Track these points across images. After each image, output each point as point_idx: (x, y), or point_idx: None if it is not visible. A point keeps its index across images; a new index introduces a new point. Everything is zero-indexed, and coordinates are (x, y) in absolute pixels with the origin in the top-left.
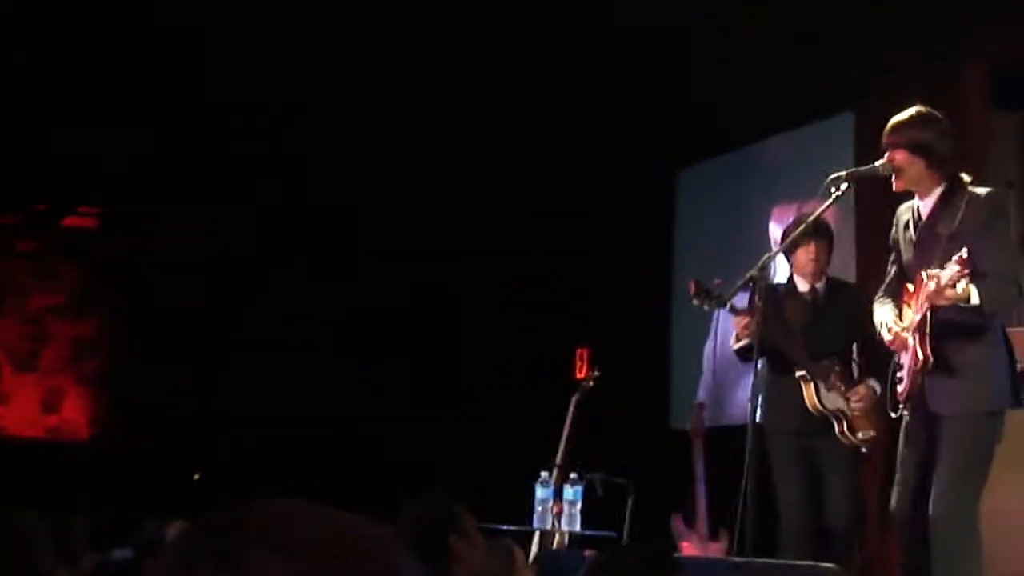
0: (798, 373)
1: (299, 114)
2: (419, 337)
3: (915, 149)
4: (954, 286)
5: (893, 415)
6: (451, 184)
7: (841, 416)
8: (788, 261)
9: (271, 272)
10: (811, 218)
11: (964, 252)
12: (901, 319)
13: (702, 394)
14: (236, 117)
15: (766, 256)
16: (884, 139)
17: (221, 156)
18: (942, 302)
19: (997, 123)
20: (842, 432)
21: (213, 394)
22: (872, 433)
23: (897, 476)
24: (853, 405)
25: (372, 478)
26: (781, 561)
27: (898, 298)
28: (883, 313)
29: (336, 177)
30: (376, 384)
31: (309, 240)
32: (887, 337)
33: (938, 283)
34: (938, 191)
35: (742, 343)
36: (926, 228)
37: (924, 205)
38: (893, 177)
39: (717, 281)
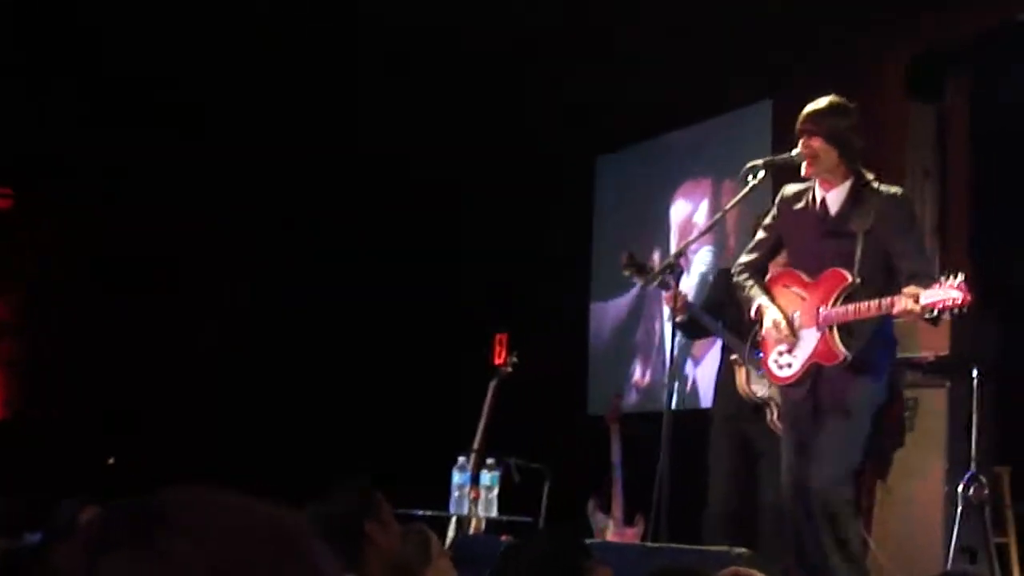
0: (732, 357)
1: (209, 97)
2: (337, 322)
3: (831, 138)
4: (928, 316)
5: (791, 399)
6: (366, 170)
7: (771, 403)
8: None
9: (187, 256)
10: (728, 206)
11: (961, 278)
12: (777, 303)
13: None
14: (158, 94)
15: (685, 242)
16: (799, 126)
17: (140, 139)
18: (912, 317)
19: (914, 114)
20: (772, 420)
21: (129, 377)
22: None
23: (784, 462)
24: (773, 392)
25: (289, 464)
26: (694, 546)
27: (764, 276)
28: (765, 301)
29: (257, 170)
30: (293, 369)
31: (229, 227)
32: (768, 326)
33: (926, 303)
34: (846, 185)
35: (678, 319)
36: (837, 222)
37: (831, 198)
38: (805, 163)
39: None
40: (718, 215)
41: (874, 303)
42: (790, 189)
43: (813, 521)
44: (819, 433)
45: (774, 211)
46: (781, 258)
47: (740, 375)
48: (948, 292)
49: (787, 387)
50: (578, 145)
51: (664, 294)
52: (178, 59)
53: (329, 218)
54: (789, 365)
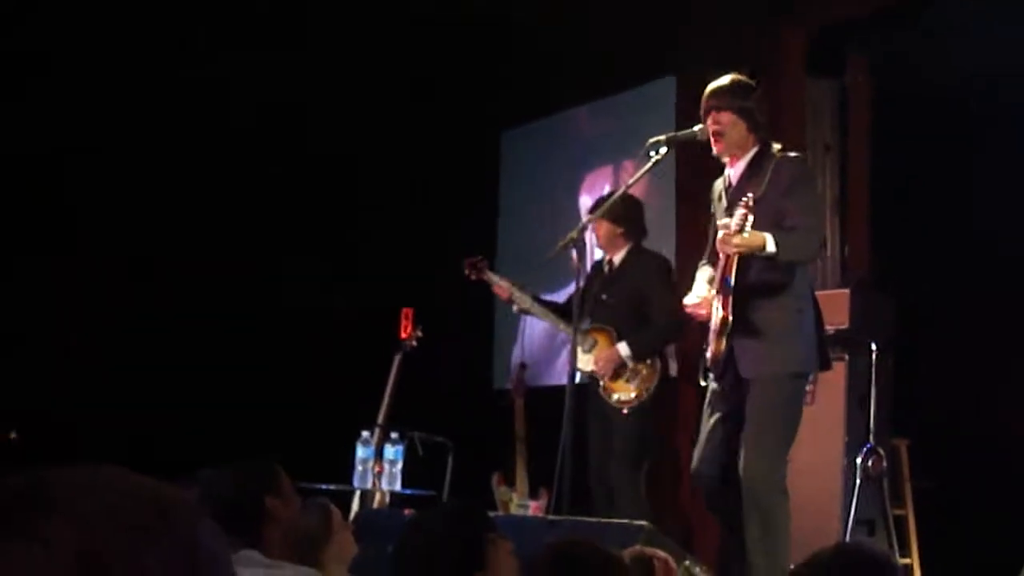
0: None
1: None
2: (239, 296)
3: (739, 112)
4: (741, 230)
5: (702, 383)
6: (265, 145)
7: (596, 377)
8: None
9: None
10: (631, 181)
11: (750, 196)
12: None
13: (519, 353)
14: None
15: (585, 220)
16: (705, 103)
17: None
18: (733, 249)
19: (815, 90)
20: (600, 392)
21: (31, 350)
22: (631, 395)
23: (700, 437)
24: (591, 368)
25: (188, 439)
26: (595, 519)
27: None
28: (697, 282)
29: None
30: (192, 343)
31: (129, 208)
32: (689, 302)
33: (727, 230)
34: (748, 157)
35: (514, 309)
36: (735, 193)
37: (735, 171)
38: (713, 140)
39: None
40: (620, 190)
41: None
42: (718, 180)
43: (738, 511)
44: (738, 411)
45: (711, 204)
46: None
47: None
48: (740, 210)
49: (711, 366)
50: (483, 120)
51: (496, 286)
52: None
53: (228, 191)
54: (708, 344)
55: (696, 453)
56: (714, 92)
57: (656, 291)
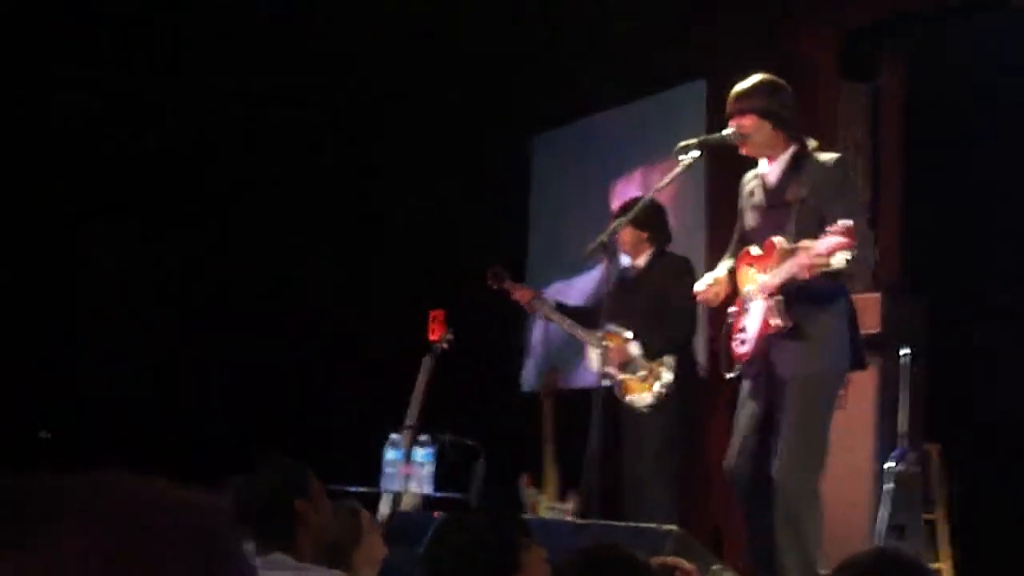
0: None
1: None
2: (270, 296)
3: (762, 114)
4: (830, 255)
5: (728, 376)
6: (304, 144)
7: (612, 380)
8: None
9: (100, 229)
10: (660, 184)
11: (848, 223)
12: (738, 279)
13: (537, 354)
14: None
15: (616, 222)
16: (729, 106)
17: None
18: (814, 271)
19: (847, 92)
20: (617, 395)
21: (51, 354)
22: (646, 395)
23: (733, 437)
24: (609, 370)
25: (218, 440)
26: (624, 523)
27: (737, 260)
28: (717, 270)
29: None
30: (224, 344)
31: (142, 192)
32: (699, 288)
33: (815, 252)
34: (786, 156)
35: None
36: (775, 194)
37: (772, 171)
38: (739, 143)
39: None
40: (650, 193)
41: (785, 264)
42: (748, 175)
43: (769, 513)
44: (772, 409)
45: (739, 200)
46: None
47: (589, 355)
48: (835, 237)
49: (745, 364)
50: (515, 124)
51: (518, 292)
52: None
53: (267, 190)
54: (743, 342)
55: (730, 450)
56: (737, 95)
57: (676, 292)
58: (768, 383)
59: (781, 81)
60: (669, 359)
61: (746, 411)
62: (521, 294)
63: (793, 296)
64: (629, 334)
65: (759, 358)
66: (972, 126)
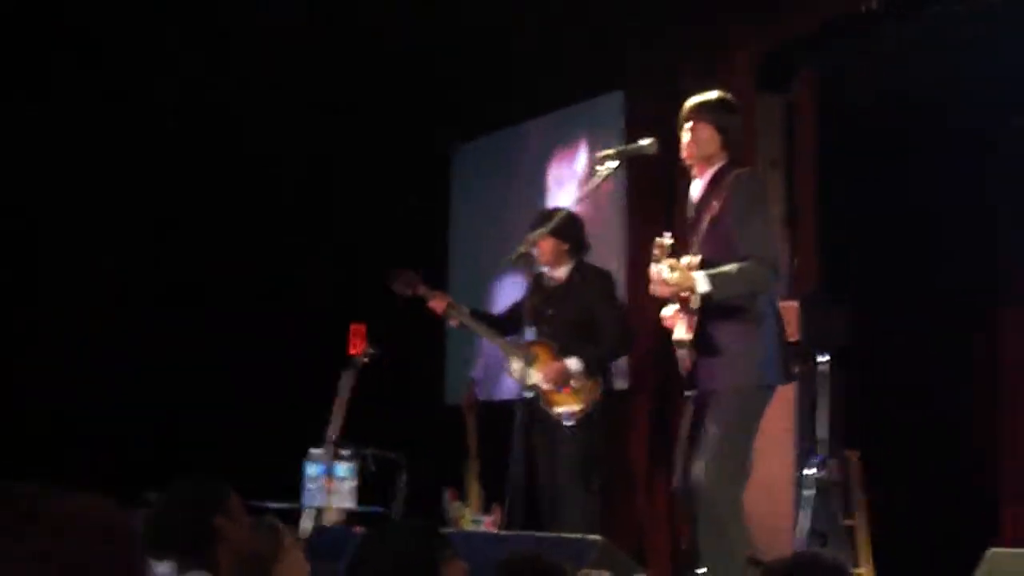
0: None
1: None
2: (186, 307)
3: (718, 127)
4: (671, 270)
5: (686, 393)
6: (217, 158)
7: (538, 391)
8: None
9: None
10: (579, 197)
11: (666, 237)
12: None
13: (478, 370)
14: None
15: (536, 233)
16: (687, 113)
17: None
18: (667, 293)
19: (762, 105)
20: (543, 407)
21: None
22: (575, 408)
23: (677, 458)
24: (537, 381)
25: (133, 455)
26: (548, 534)
27: None
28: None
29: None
30: (138, 357)
31: (77, 206)
32: (665, 313)
33: (658, 273)
34: (711, 171)
35: (450, 323)
36: (696, 210)
37: (699, 185)
38: (685, 146)
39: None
40: (570, 205)
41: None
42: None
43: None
44: (699, 424)
45: None
46: None
47: (510, 366)
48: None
49: (685, 381)
50: (433, 134)
51: (433, 300)
52: None
53: (175, 204)
54: (680, 358)
55: (675, 473)
56: (697, 104)
57: (604, 308)
58: (699, 399)
59: (737, 102)
60: (600, 375)
61: (682, 428)
62: (436, 302)
63: (710, 309)
64: (556, 347)
65: (690, 375)
66: (884, 137)
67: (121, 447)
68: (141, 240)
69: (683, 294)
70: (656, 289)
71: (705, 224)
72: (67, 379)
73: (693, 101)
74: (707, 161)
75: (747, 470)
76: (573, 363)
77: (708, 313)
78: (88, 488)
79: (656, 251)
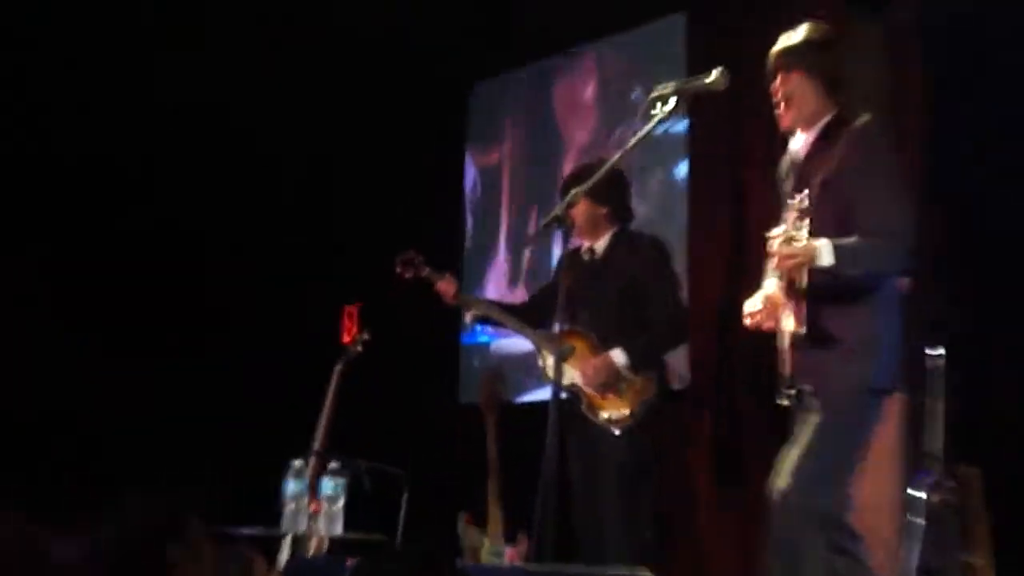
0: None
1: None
2: (143, 290)
3: (813, 71)
4: (791, 239)
5: (779, 402)
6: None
7: (578, 392)
8: None
9: None
10: (629, 144)
11: (805, 194)
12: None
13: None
14: None
15: (572, 193)
16: (775, 59)
17: None
18: (790, 264)
19: (854, 30)
20: (584, 410)
21: None
22: (625, 412)
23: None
24: (577, 380)
25: (75, 468)
26: (584, 568)
27: None
28: (767, 282)
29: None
30: (85, 344)
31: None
32: (749, 307)
33: (778, 239)
34: (819, 126)
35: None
36: (801, 175)
37: (802, 143)
38: (779, 110)
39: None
40: (615, 157)
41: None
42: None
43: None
44: (801, 434)
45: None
46: None
47: (543, 362)
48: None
49: (786, 387)
50: (448, 70)
51: (440, 283)
52: None
53: (136, 178)
54: (783, 358)
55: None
56: (782, 50)
57: (655, 285)
58: (801, 405)
59: (836, 34)
60: (654, 371)
61: (791, 443)
62: (445, 286)
63: (821, 296)
64: (595, 338)
65: (795, 376)
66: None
67: (58, 456)
68: (84, 209)
69: (792, 274)
70: (779, 261)
71: (815, 188)
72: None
73: (776, 48)
74: (809, 117)
75: (844, 496)
76: (618, 356)
77: (819, 299)
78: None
79: (793, 213)
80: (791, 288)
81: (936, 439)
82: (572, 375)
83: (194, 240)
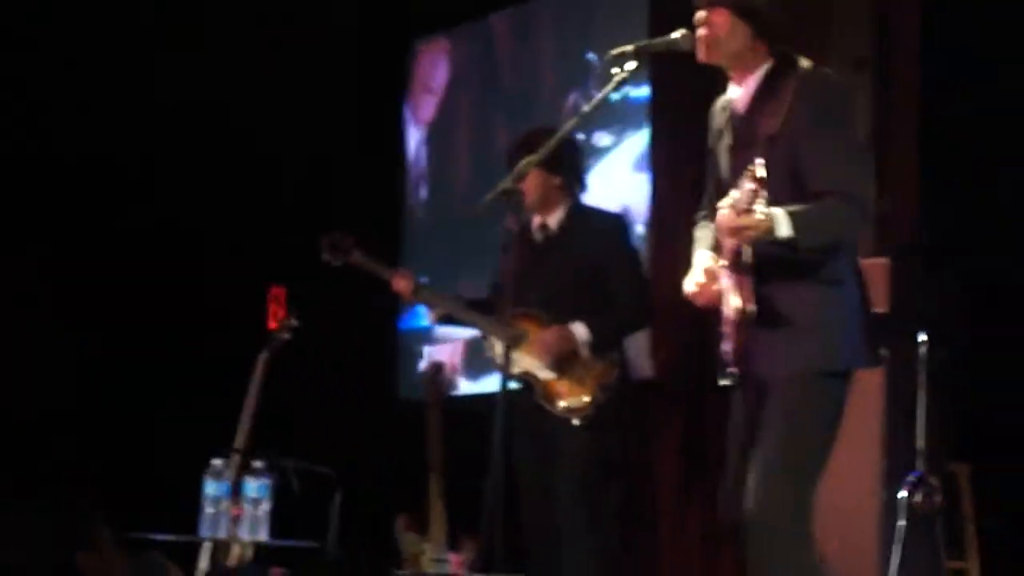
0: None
1: None
2: (51, 274)
3: (740, 10)
4: (749, 210)
5: (721, 383)
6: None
7: (533, 381)
8: None
9: None
10: (587, 107)
11: (759, 163)
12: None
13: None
14: None
15: (523, 163)
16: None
17: None
18: (743, 238)
19: None
20: (541, 401)
21: None
22: (584, 400)
23: (725, 471)
24: (531, 367)
25: None
26: None
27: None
28: (697, 256)
29: None
30: None
31: None
32: (688, 288)
33: (732, 209)
34: (759, 74)
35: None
36: (743, 128)
37: (742, 94)
38: (700, 47)
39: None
40: (572, 120)
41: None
42: (720, 100)
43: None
44: (751, 426)
45: (709, 134)
46: None
47: (491, 349)
48: (748, 183)
49: (732, 366)
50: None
51: (394, 279)
52: None
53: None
54: (727, 336)
55: (721, 491)
56: None
57: (614, 262)
58: (754, 389)
59: None
60: (615, 354)
61: (735, 431)
62: (400, 283)
63: (770, 269)
64: (546, 319)
65: (741, 357)
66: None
67: None
68: None
69: (733, 248)
70: (730, 232)
71: (760, 148)
72: None
73: None
74: (741, 61)
75: (814, 490)
76: (580, 330)
77: (766, 273)
78: None
79: (748, 183)
80: (735, 263)
81: (923, 433)
82: (526, 362)
83: (104, 224)
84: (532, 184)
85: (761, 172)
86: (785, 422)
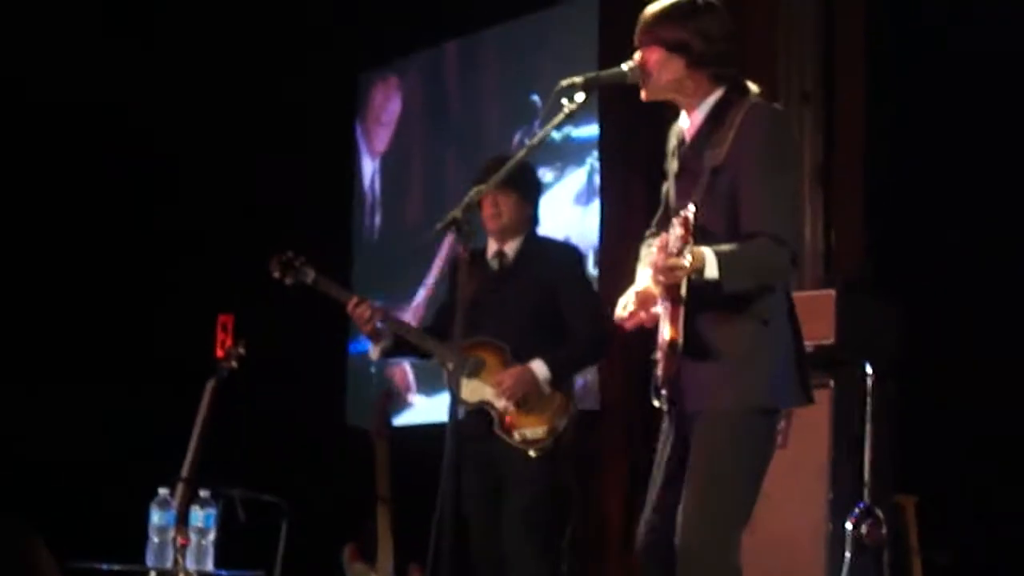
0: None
1: None
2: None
3: (671, 46)
4: (679, 253)
5: (656, 404)
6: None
7: (490, 410)
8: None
9: None
10: (534, 140)
11: (691, 211)
12: None
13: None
14: None
15: (475, 190)
16: (637, 35)
17: None
18: (673, 278)
19: (790, 15)
20: (498, 432)
21: None
22: (541, 432)
23: (648, 496)
24: (489, 396)
25: None
26: None
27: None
28: (641, 273)
29: None
30: None
31: None
32: (619, 316)
33: (662, 252)
34: (708, 104)
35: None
36: (690, 155)
37: (691, 124)
38: (641, 85)
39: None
40: (521, 153)
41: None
42: (675, 126)
43: None
44: (678, 458)
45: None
46: None
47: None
48: (677, 229)
49: (663, 391)
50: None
51: (351, 306)
52: None
53: None
54: (660, 360)
55: (643, 515)
56: (645, 20)
57: (573, 292)
58: (679, 421)
59: (706, 1)
60: (569, 388)
61: (662, 461)
62: (358, 310)
63: (703, 302)
64: (507, 350)
65: (669, 385)
66: (971, 58)
67: None
68: None
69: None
70: (662, 272)
71: (703, 179)
72: None
73: (642, 16)
74: (682, 94)
75: (742, 523)
76: (539, 367)
77: (698, 306)
78: None
79: (678, 229)
80: (669, 292)
81: (868, 465)
82: (483, 392)
83: (49, 249)
84: (508, 210)
85: (691, 219)
86: (711, 460)
